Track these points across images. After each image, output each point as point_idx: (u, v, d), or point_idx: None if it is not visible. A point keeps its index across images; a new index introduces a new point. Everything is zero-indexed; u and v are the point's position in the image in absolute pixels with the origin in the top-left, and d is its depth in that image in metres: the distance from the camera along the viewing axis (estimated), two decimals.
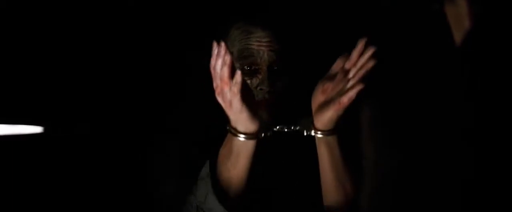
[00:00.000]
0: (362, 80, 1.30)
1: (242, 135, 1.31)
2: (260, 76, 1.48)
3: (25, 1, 1.83)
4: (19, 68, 1.82)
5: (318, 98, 1.38)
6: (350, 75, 1.31)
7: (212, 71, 1.25)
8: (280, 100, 1.50)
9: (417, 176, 1.35)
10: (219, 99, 1.27)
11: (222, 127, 1.36)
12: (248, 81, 1.47)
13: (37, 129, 1.78)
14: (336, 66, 1.38)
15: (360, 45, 1.31)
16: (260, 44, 1.48)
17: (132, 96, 1.89)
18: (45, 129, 1.81)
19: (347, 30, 1.60)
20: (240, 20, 1.53)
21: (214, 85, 1.26)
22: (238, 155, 1.34)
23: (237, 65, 1.47)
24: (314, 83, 1.42)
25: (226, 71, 1.22)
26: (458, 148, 1.32)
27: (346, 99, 1.30)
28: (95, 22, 1.87)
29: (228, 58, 1.21)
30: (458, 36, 1.31)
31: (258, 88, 1.48)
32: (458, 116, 1.31)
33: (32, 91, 1.83)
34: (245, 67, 1.49)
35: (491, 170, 1.28)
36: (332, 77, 1.36)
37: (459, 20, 1.30)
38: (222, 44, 1.23)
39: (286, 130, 1.43)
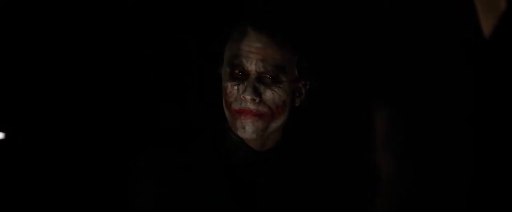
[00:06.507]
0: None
1: None
2: (246, 83, 1.43)
3: (25, 1, 1.85)
4: (18, 69, 1.81)
5: None
6: None
7: None
8: (274, 116, 1.43)
9: (439, 193, 1.26)
10: None
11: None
12: (235, 87, 1.43)
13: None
14: None
15: None
16: (249, 49, 1.42)
17: (131, 96, 1.87)
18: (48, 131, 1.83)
19: (352, 39, 1.54)
20: (242, 21, 1.48)
21: None
22: None
23: (227, 69, 1.44)
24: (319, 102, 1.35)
25: None
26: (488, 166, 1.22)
27: None
28: (95, 22, 1.87)
29: None
30: (488, 23, 1.17)
31: (241, 95, 1.42)
32: (483, 120, 1.16)
33: (31, 92, 1.82)
34: (235, 71, 1.43)
35: None
36: None
37: (493, 2, 1.14)
38: None
39: None
